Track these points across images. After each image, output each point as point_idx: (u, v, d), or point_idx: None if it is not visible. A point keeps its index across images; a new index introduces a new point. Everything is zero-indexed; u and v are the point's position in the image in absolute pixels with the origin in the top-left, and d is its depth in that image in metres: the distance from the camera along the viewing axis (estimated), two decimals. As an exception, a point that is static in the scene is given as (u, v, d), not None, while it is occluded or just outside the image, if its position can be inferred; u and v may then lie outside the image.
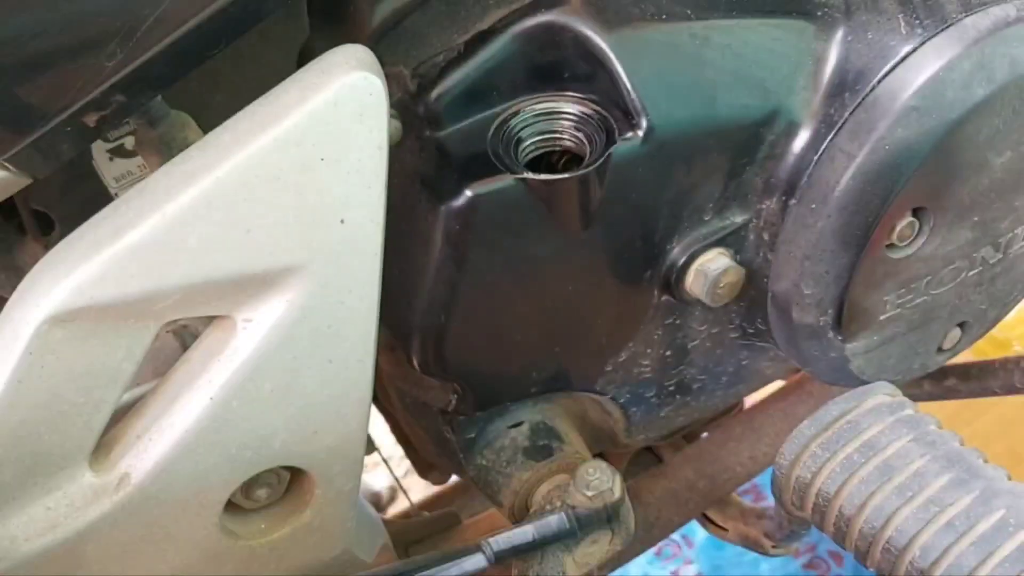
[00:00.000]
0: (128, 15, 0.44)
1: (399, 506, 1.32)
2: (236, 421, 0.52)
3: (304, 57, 0.63)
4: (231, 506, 0.57)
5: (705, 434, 0.92)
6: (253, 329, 0.52)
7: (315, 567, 0.63)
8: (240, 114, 0.50)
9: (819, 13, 0.61)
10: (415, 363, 0.64)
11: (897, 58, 0.60)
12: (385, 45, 0.60)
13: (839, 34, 0.61)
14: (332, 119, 0.49)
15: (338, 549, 0.64)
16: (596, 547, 0.71)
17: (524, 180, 0.56)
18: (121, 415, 0.52)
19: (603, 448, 0.79)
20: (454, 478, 0.96)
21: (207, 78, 0.61)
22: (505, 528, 0.90)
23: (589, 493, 0.69)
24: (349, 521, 0.62)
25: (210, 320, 0.53)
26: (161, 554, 0.53)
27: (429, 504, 0.96)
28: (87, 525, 0.49)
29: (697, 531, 1.44)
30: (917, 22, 0.60)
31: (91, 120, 0.48)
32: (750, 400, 0.91)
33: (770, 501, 0.96)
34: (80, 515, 0.49)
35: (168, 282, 0.47)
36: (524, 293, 0.62)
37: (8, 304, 0.48)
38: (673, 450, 0.89)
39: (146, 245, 0.46)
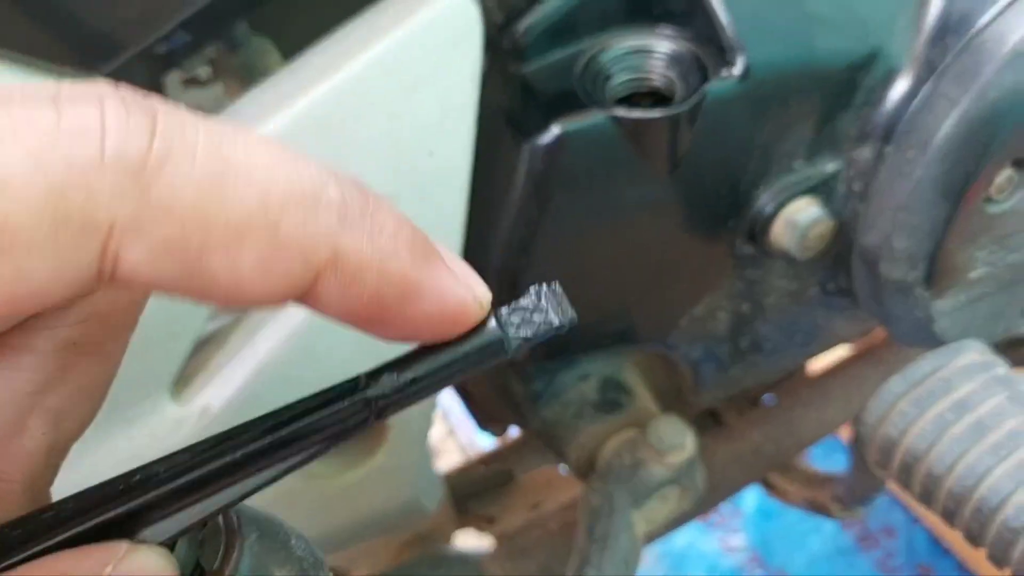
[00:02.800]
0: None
1: (446, 462, 1.31)
2: (315, 354, 0.51)
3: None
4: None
5: (766, 396, 0.90)
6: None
7: (383, 513, 0.62)
8: (330, 38, 0.48)
9: (921, -46, 0.59)
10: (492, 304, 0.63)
11: (1003, 3, 0.57)
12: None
13: (942, -24, 0.59)
14: (428, 44, 0.47)
15: (406, 495, 0.63)
16: (664, 504, 0.69)
17: (614, 118, 0.54)
18: (203, 346, 0.50)
19: (668, 407, 0.78)
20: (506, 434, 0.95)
21: (284, 3, 0.59)
22: (560, 484, 0.90)
23: (660, 448, 0.67)
24: (420, 467, 0.61)
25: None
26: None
27: (483, 460, 0.95)
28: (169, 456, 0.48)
29: (746, 500, 1.43)
30: (1025, -34, 0.58)
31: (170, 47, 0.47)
32: (815, 365, 0.89)
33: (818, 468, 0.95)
34: (161, 446, 0.48)
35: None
36: (605, 237, 0.60)
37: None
38: (736, 413, 0.87)
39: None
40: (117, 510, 0.24)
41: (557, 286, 0.28)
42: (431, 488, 0.70)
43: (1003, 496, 0.54)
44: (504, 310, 0.27)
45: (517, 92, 0.57)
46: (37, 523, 0.24)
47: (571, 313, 0.27)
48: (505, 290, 0.61)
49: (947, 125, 0.57)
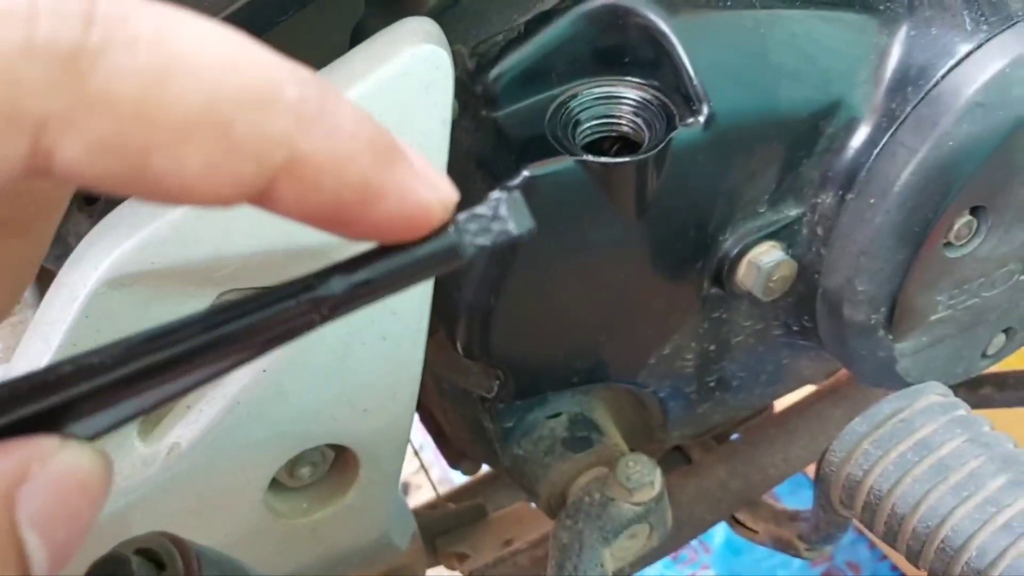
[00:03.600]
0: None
1: (419, 497, 1.31)
2: (286, 395, 0.51)
3: (358, 34, 0.62)
4: (275, 484, 0.56)
5: (735, 435, 0.91)
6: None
7: (353, 551, 0.63)
8: (304, 83, 0.49)
9: (882, 7, 0.61)
10: (459, 346, 0.63)
11: (961, 54, 0.59)
12: (443, 23, 0.59)
13: (902, 29, 0.60)
14: (398, 91, 0.48)
15: (377, 533, 0.63)
16: (633, 542, 0.70)
17: (583, 163, 0.55)
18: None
19: (636, 445, 0.79)
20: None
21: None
22: (532, 520, 0.90)
23: (629, 486, 0.68)
24: (390, 505, 0.62)
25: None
26: (205, 527, 0.52)
27: (454, 496, 0.95)
28: (136, 495, 0.49)
29: (714, 536, 1.43)
30: (982, 19, 0.60)
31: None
32: (781, 404, 0.90)
33: (784, 504, 0.96)
34: (128, 485, 0.49)
35: (230, 249, 0.46)
36: (575, 278, 0.61)
37: (64, 267, 0.48)
38: (703, 450, 0.88)
39: (210, 211, 0.45)
40: (45, 402, 0.22)
41: (518, 194, 0.27)
42: (402, 525, 0.71)
43: (966, 536, 0.55)
44: (462, 216, 0.26)
45: (488, 137, 0.58)
46: None
47: (530, 223, 0.26)
48: (476, 332, 0.62)
49: (906, 173, 0.58)
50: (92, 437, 0.23)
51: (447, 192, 0.25)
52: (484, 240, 0.26)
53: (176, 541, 0.40)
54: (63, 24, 0.20)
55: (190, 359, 0.24)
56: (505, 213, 0.26)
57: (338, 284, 0.25)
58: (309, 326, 0.25)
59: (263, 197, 0.23)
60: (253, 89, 0.22)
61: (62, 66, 0.20)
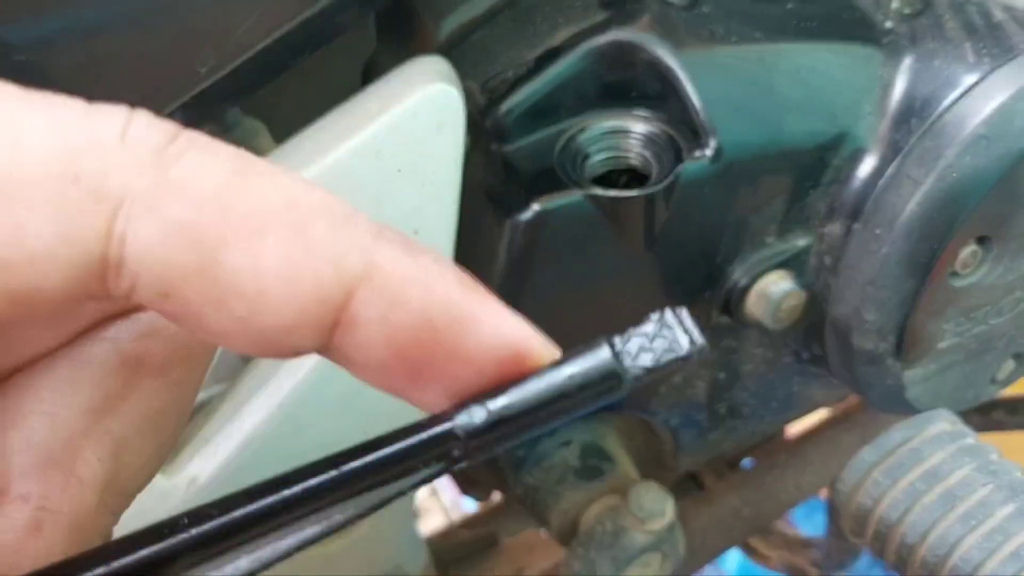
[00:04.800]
0: (225, 19, 0.45)
1: (430, 521, 1.32)
2: (302, 428, 0.52)
3: (369, 71, 0.63)
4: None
5: (745, 460, 0.91)
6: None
7: (367, 581, 0.63)
8: (318, 123, 0.50)
9: (885, 40, 0.62)
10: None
11: (965, 86, 0.60)
12: (452, 60, 0.61)
13: (905, 61, 0.61)
14: (412, 130, 0.49)
15: (390, 563, 0.64)
16: (646, 570, 0.70)
17: (592, 196, 0.56)
18: (190, 418, 0.52)
19: (648, 472, 0.79)
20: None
21: (274, 88, 0.61)
22: (543, 548, 0.90)
23: (641, 515, 0.68)
24: (404, 535, 0.62)
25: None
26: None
27: (466, 524, 0.96)
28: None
29: (727, 563, 1.43)
30: (984, 51, 0.60)
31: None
32: (792, 429, 0.91)
33: (799, 529, 0.96)
34: (148, 518, 0.49)
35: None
36: (584, 309, 0.62)
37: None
38: (715, 477, 0.88)
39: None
40: (146, 552, 0.21)
41: (684, 311, 0.23)
42: (414, 554, 0.71)
43: (974, 565, 0.55)
44: (617, 338, 0.23)
45: (499, 171, 0.59)
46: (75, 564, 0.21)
47: (700, 340, 0.23)
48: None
49: (912, 204, 0.59)
50: None
51: (542, 339, 0.23)
52: (647, 360, 0.22)
53: None
54: (154, 128, 0.21)
55: (300, 510, 0.21)
56: (671, 329, 0.23)
57: (477, 414, 0.22)
58: (444, 468, 0.22)
59: (345, 322, 0.21)
60: (330, 204, 0.21)
61: (149, 154, 0.20)
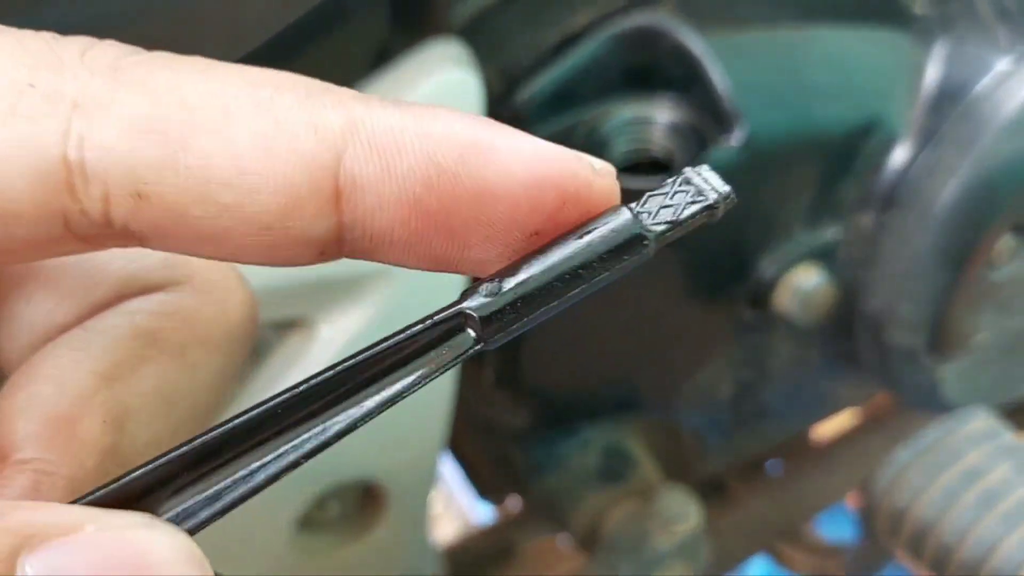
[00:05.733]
0: (235, 7, 0.43)
1: (442, 527, 1.30)
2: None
3: (382, 58, 0.61)
4: (303, 521, 0.55)
5: (771, 463, 0.89)
6: (333, 337, 0.50)
7: (382, 588, 0.61)
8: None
9: (917, 25, 0.59)
10: (490, 378, 0.62)
11: (998, 71, 0.58)
12: (469, 44, 0.59)
13: (937, 46, 0.59)
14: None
15: (405, 569, 0.62)
16: (670, 575, 0.68)
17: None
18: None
19: (672, 475, 0.77)
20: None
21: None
22: (560, 556, 0.88)
23: (665, 519, 0.66)
24: (418, 542, 0.60)
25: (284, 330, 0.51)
26: (232, 563, 0.51)
27: (482, 532, 0.93)
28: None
29: (752, 570, 1.40)
30: (1018, 35, 0.58)
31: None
32: (819, 432, 0.88)
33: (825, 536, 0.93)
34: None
35: (256, 281, 0.45)
36: (606, 306, 0.60)
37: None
38: (741, 482, 0.86)
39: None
40: (131, 476, 0.19)
41: (704, 166, 0.21)
42: (430, 561, 0.69)
43: (1016, 565, 0.53)
44: (634, 202, 0.21)
45: (517, 161, 0.57)
46: None
47: (725, 187, 0.21)
48: (507, 359, 0.61)
49: (946, 192, 0.57)
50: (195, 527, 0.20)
51: (592, 157, 0.21)
52: (669, 216, 0.21)
53: None
54: (119, 46, 0.21)
55: (342, 397, 0.20)
56: (693, 183, 0.21)
57: (493, 291, 0.20)
58: (460, 350, 0.20)
59: (345, 187, 0.20)
60: (305, 79, 0.20)
61: (105, 60, 0.20)
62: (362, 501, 0.57)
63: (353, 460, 0.52)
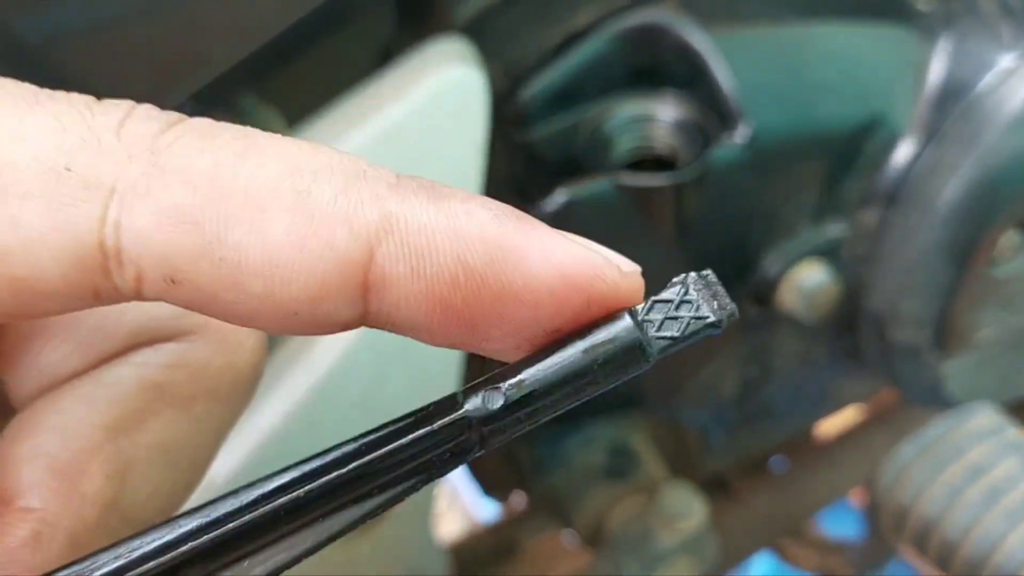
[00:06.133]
0: (240, 6, 0.43)
1: (447, 524, 1.30)
2: (319, 428, 0.50)
3: (387, 57, 0.62)
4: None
5: (775, 460, 0.89)
6: (333, 342, 0.50)
7: (388, 585, 0.61)
8: (336, 109, 0.49)
9: (920, 22, 0.60)
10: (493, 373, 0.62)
11: (1001, 68, 0.58)
12: (473, 43, 0.59)
13: (940, 43, 0.59)
14: (432, 114, 0.47)
15: (410, 567, 0.62)
16: (674, 572, 0.68)
17: (619, 184, 0.54)
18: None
19: (676, 471, 0.77)
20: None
21: (290, 74, 0.60)
22: (565, 553, 0.88)
23: (669, 515, 0.66)
24: (424, 538, 0.60)
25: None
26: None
27: (487, 529, 0.94)
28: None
29: (756, 568, 1.40)
30: (1021, 32, 0.58)
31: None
32: (823, 429, 0.88)
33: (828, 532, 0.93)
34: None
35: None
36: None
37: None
38: (744, 479, 0.86)
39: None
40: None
41: (711, 273, 0.21)
42: (434, 558, 0.69)
43: (1020, 561, 0.53)
44: (639, 307, 0.20)
45: (522, 159, 0.57)
46: None
47: (730, 305, 0.21)
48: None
49: (950, 189, 0.57)
50: None
51: (621, 259, 0.21)
52: (672, 330, 0.20)
53: None
54: (152, 118, 0.20)
55: (306, 513, 0.20)
56: (696, 296, 0.21)
57: (491, 399, 0.20)
58: (462, 457, 0.20)
59: (374, 282, 0.20)
60: (340, 161, 0.20)
61: (143, 142, 0.20)
62: (367, 498, 0.58)
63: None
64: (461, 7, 0.59)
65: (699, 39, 0.54)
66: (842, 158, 0.58)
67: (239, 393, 0.25)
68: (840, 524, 0.99)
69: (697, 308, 0.21)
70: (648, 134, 0.57)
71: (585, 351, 0.20)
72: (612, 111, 0.56)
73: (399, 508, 0.59)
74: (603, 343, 0.20)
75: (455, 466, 0.21)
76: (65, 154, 0.20)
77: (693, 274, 0.21)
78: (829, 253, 0.61)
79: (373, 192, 0.20)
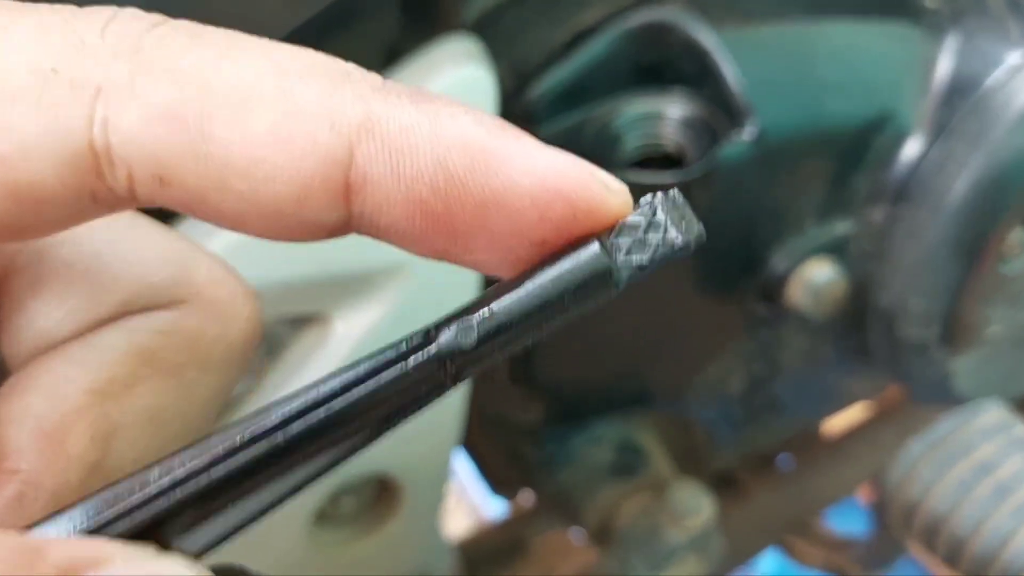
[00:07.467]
0: (244, 7, 0.43)
1: (455, 521, 1.30)
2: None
3: (393, 58, 0.62)
4: (318, 515, 0.55)
5: (782, 457, 0.89)
6: (348, 333, 0.50)
7: (396, 583, 0.61)
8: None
9: (927, 18, 0.59)
10: (503, 373, 0.62)
11: (1009, 65, 0.58)
12: (480, 42, 0.59)
13: (947, 39, 0.59)
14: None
15: (418, 565, 0.62)
16: (682, 569, 0.68)
17: (627, 182, 0.54)
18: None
19: (683, 469, 0.77)
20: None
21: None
22: (574, 551, 0.88)
23: (677, 513, 0.66)
24: (432, 536, 0.60)
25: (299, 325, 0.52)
26: (249, 558, 0.51)
27: (495, 527, 0.94)
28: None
29: (763, 564, 1.40)
30: (1030, 27, 0.58)
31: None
32: (830, 425, 0.88)
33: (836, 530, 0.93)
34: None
35: (272, 276, 0.45)
36: (617, 301, 0.60)
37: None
38: (752, 475, 0.86)
39: (252, 240, 0.45)
40: (139, 514, 0.20)
41: (676, 193, 0.21)
42: (442, 556, 0.69)
43: (1029, 559, 0.53)
44: (605, 233, 0.20)
45: (529, 157, 0.57)
46: None
47: (697, 228, 0.21)
48: (519, 357, 0.61)
49: (958, 186, 0.57)
50: (201, 551, 0.21)
51: (605, 175, 0.21)
52: (641, 257, 0.21)
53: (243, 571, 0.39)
54: (136, 18, 0.21)
55: (283, 457, 0.20)
56: (663, 219, 0.21)
57: (463, 335, 0.20)
58: (435, 392, 0.20)
59: (354, 181, 0.20)
60: (326, 62, 0.21)
61: (127, 41, 0.20)
62: (377, 495, 0.58)
63: (368, 454, 0.52)
64: (468, 6, 0.59)
65: (707, 37, 0.54)
66: (850, 155, 0.58)
67: (231, 364, 0.25)
68: (848, 521, 0.99)
69: (665, 231, 0.21)
70: (656, 132, 0.57)
71: (553, 280, 0.20)
72: (620, 109, 0.56)
73: (409, 506, 0.59)
74: (571, 271, 0.20)
75: (426, 404, 0.21)
76: (50, 56, 0.20)
77: (660, 194, 0.21)
78: (837, 250, 0.61)
79: (357, 92, 0.20)
